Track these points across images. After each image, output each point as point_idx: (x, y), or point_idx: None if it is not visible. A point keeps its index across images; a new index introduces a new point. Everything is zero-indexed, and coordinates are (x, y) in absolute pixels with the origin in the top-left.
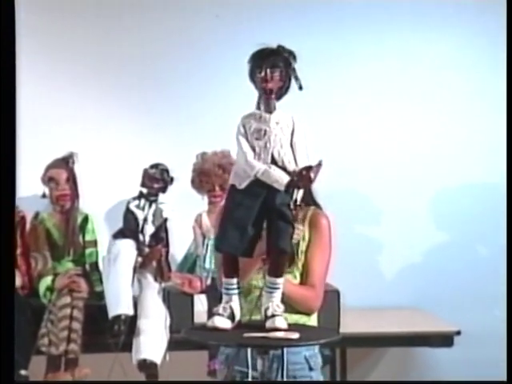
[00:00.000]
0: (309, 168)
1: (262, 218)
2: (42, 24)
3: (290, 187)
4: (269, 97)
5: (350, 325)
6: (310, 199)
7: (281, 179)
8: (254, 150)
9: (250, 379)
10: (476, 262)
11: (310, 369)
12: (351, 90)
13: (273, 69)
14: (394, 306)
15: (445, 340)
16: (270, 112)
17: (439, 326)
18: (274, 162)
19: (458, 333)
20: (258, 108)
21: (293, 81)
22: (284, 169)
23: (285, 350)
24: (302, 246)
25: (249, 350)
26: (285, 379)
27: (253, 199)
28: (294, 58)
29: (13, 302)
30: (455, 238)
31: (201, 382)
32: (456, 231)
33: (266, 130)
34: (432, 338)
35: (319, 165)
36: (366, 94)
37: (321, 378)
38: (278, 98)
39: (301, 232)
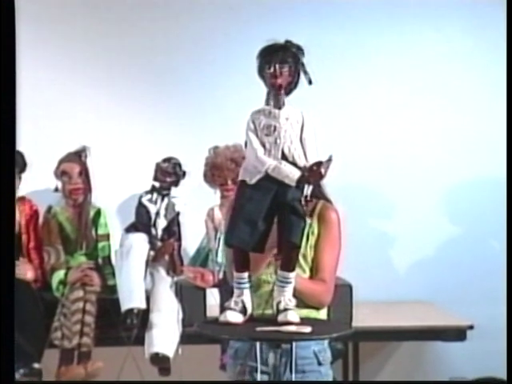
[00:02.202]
0: (319, 163)
1: (273, 214)
2: (46, 17)
3: (301, 182)
4: (278, 92)
5: (362, 319)
6: (319, 193)
7: (292, 174)
8: (264, 145)
9: (259, 374)
10: (489, 256)
11: (319, 363)
12: (361, 84)
13: (282, 64)
14: (407, 299)
15: (458, 334)
16: (280, 108)
17: (452, 320)
18: (284, 157)
19: (471, 327)
20: (268, 104)
21: (302, 76)
22: (294, 164)
23: (294, 344)
24: (312, 241)
25: (258, 344)
26: (293, 374)
27: (263, 194)
28: (303, 52)
29: (13, 302)
30: (468, 231)
31: (201, 382)
32: (469, 225)
33: (275, 126)
34: (445, 332)
35: (329, 160)
36: (377, 88)
37: (329, 373)
38: (288, 93)
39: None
